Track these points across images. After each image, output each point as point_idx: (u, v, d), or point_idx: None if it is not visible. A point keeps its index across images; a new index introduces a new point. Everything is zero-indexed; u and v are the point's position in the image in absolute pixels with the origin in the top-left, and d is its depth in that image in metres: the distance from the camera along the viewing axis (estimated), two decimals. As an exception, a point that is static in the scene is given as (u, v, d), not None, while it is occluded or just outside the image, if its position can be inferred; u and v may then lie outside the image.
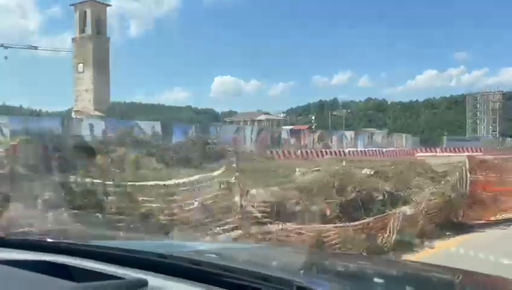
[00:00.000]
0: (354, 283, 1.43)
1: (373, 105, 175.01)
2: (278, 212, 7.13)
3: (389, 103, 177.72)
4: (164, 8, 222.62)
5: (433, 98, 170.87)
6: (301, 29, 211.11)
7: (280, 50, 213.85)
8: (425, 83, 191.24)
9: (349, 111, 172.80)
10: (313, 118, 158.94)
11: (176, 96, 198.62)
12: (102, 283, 1.22)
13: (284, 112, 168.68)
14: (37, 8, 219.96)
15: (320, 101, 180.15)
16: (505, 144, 58.26)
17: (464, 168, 11.09)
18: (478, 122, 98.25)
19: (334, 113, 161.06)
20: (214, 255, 1.71)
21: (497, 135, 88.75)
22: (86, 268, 1.40)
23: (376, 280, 1.54)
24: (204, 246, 2.63)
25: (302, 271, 1.48)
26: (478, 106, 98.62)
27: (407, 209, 8.36)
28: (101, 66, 54.29)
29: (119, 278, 1.28)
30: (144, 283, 1.23)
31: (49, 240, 1.84)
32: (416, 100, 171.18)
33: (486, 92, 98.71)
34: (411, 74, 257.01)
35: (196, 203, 6.63)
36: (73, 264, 1.43)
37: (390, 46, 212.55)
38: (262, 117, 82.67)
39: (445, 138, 57.69)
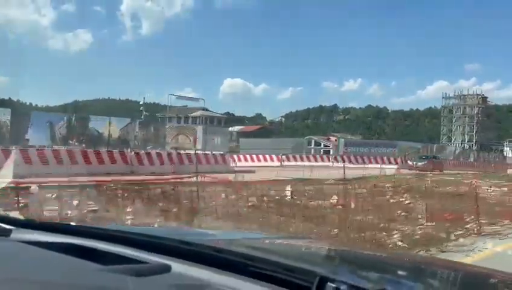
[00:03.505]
0: (376, 275, 1.43)
1: (372, 112, 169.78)
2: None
3: (389, 110, 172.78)
4: (176, 9, 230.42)
5: (434, 107, 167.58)
6: (314, 36, 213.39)
7: (292, 55, 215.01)
8: (435, 93, 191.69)
9: (347, 117, 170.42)
10: (282, 119, 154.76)
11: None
12: (126, 266, 1.24)
13: (282, 116, 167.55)
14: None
15: (320, 106, 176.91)
16: (444, 153, 45.38)
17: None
18: (453, 128, 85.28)
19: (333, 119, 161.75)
20: (237, 244, 1.67)
21: (473, 145, 77.21)
22: (111, 252, 1.42)
23: (400, 273, 1.49)
24: (227, 234, 2.52)
25: (324, 262, 1.56)
26: (454, 110, 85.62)
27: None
28: None
29: (143, 262, 1.31)
30: (167, 268, 1.24)
31: (76, 224, 1.91)
32: (417, 109, 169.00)
33: (464, 95, 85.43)
34: (421, 85, 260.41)
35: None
36: (99, 247, 1.46)
37: (402, 56, 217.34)
38: (198, 113, 73.36)
39: (341, 141, 43.62)
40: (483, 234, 8.18)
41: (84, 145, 20.51)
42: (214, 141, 25.05)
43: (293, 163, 32.50)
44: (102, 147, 19.94)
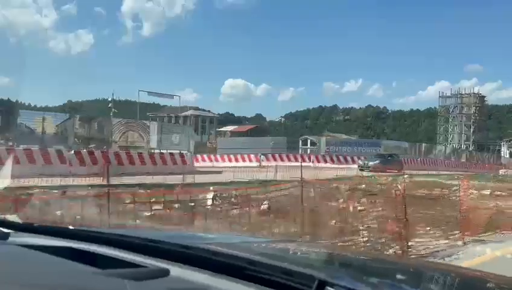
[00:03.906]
0: (375, 280, 1.40)
1: (372, 112, 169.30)
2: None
3: (389, 111, 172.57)
4: (177, 9, 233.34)
5: (434, 107, 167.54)
6: (315, 36, 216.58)
7: (293, 55, 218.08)
8: (436, 94, 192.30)
9: (347, 118, 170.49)
10: (282, 119, 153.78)
11: (187, 97, 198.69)
12: (124, 271, 1.25)
13: (282, 116, 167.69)
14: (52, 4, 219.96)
15: (320, 106, 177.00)
16: (434, 153, 43.33)
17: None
18: (450, 128, 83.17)
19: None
20: (235, 247, 1.66)
21: (470, 145, 75.30)
22: (109, 256, 1.41)
23: (399, 277, 1.49)
24: (226, 238, 2.43)
25: (323, 266, 1.52)
26: (451, 109, 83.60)
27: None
28: None
29: (142, 266, 1.30)
30: (166, 272, 1.24)
31: (74, 227, 1.87)
32: (417, 109, 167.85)
33: (461, 94, 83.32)
34: (423, 85, 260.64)
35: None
36: (97, 251, 1.45)
37: (403, 56, 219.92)
38: (188, 113, 71.90)
39: (323, 140, 40.40)
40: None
41: (10, 143, 18.78)
42: (172, 140, 23.15)
43: (272, 163, 30.74)
44: (35, 145, 18.24)
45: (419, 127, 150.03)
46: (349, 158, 33.55)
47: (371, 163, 30.32)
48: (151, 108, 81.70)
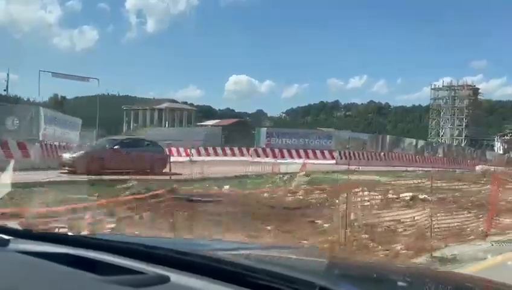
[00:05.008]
0: (377, 287, 1.44)
1: (374, 108, 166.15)
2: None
3: (391, 107, 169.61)
4: (181, 6, 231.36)
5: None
6: (320, 33, 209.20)
7: (298, 52, 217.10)
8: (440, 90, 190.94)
9: (348, 113, 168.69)
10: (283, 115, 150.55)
11: (190, 94, 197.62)
12: (124, 277, 1.25)
13: (283, 112, 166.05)
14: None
15: (322, 102, 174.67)
16: (402, 147, 38.31)
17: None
18: (441, 122, 78.73)
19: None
20: (236, 255, 1.66)
21: (462, 140, 70.93)
22: (109, 262, 1.40)
23: (400, 284, 1.49)
24: (226, 245, 2.46)
25: (324, 273, 1.51)
26: (442, 102, 79.11)
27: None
28: None
29: (142, 273, 1.30)
30: (166, 279, 1.24)
31: (72, 233, 2.04)
32: (419, 105, 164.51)
33: (453, 86, 78.73)
34: (427, 82, 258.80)
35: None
36: (97, 258, 1.44)
37: (408, 53, 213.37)
38: (163, 106, 68.24)
39: (263, 130, 34.04)
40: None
41: None
42: (7, 124, 18.43)
43: (205, 158, 26.68)
44: None
45: (421, 123, 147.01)
46: (294, 152, 29.16)
47: (68, 156, 17.82)
48: (133, 101, 78.17)
